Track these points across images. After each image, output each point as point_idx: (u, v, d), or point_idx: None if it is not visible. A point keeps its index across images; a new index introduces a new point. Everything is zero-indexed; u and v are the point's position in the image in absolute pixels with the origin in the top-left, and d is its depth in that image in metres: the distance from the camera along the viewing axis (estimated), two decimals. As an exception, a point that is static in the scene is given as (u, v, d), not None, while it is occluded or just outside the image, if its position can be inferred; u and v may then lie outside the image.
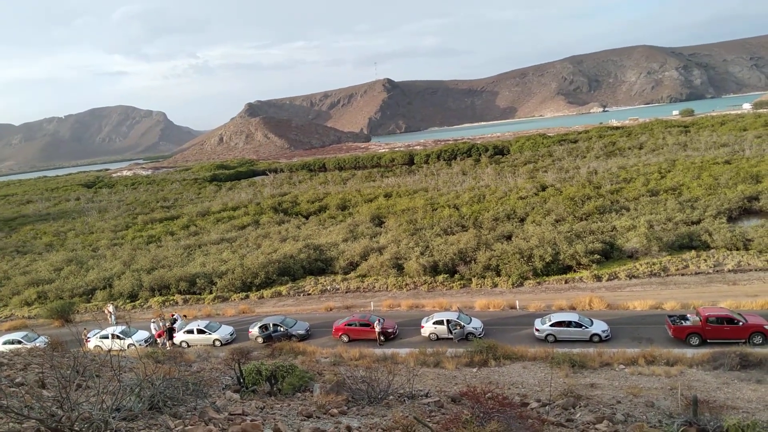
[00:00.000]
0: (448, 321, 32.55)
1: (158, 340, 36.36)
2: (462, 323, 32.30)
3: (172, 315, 38.99)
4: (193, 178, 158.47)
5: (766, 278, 39.95)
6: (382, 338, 33.11)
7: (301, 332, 35.20)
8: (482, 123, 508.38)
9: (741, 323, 28.74)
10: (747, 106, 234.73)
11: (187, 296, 50.07)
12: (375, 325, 33.31)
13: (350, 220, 69.82)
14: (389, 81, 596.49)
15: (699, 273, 42.42)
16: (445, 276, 46.48)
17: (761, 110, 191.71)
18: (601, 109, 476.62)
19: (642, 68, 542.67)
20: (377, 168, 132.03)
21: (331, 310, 41.07)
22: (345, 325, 34.79)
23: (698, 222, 52.39)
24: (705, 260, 44.27)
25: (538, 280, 44.05)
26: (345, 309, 40.89)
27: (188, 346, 35.71)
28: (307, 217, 78.04)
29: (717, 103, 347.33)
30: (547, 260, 45.22)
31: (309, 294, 47.24)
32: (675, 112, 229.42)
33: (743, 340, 28.17)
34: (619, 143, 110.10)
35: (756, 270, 41.68)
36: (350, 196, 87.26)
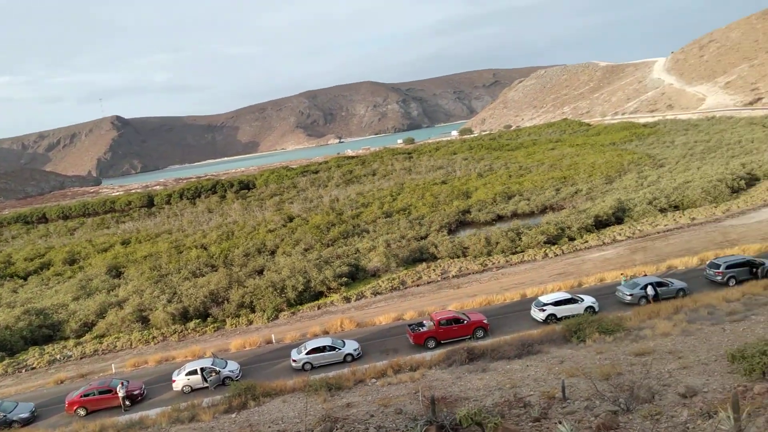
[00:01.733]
0: (202, 369, 30.78)
1: None
2: (217, 369, 30.85)
3: None
4: None
5: (481, 279, 46.66)
6: (127, 403, 29.71)
7: (24, 416, 29.69)
8: (225, 158, 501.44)
9: (465, 321, 33.03)
10: (454, 133, 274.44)
11: None
12: (118, 389, 29.77)
13: (81, 274, 61.91)
14: (119, 118, 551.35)
15: (431, 282, 47.61)
16: (197, 321, 44.11)
17: (465, 136, 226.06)
18: (338, 141, 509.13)
19: (369, 102, 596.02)
20: (111, 213, 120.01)
21: (62, 382, 35.53)
22: (80, 396, 30.32)
23: (426, 237, 58.88)
24: (434, 270, 49.92)
25: (292, 311, 44.58)
26: (81, 378, 35.83)
27: None
28: (25, 278, 66.76)
29: (431, 131, 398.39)
30: (300, 289, 46.12)
31: (34, 368, 40.27)
32: (399, 141, 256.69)
33: (469, 336, 32.40)
34: (356, 171, 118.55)
35: (473, 273, 48.43)
36: (80, 247, 77.52)
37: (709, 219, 54.37)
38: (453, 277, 48.08)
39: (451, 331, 32.55)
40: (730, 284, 35.61)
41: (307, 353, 31.61)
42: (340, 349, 31.91)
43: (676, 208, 58.67)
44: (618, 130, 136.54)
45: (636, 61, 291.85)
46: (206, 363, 31.50)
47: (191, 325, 43.46)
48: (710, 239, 47.90)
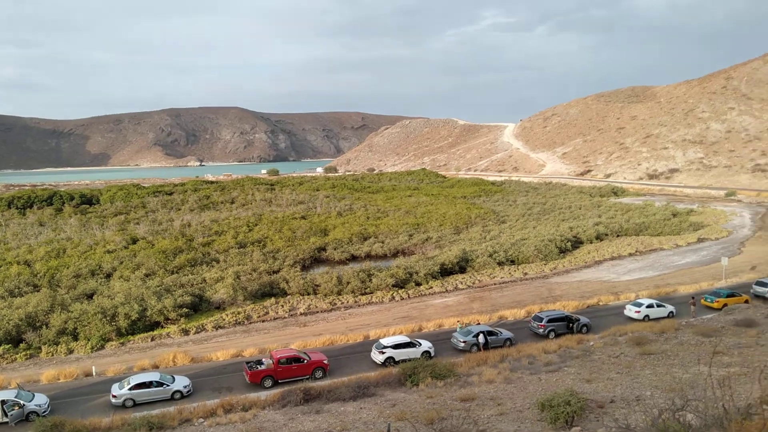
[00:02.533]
0: (2, 402, 27.16)
1: None
2: (21, 402, 27.40)
3: None
4: None
5: (328, 318, 46.75)
6: None
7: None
8: (70, 168, 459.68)
9: (306, 361, 32.75)
10: (320, 170, 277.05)
11: None
12: None
13: None
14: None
15: (277, 318, 46.73)
16: (7, 347, 39.06)
17: (330, 174, 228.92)
18: (198, 163, 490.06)
19: (236, 128, 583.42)
20: None
21: None
22: None
23: (278, 271, 58.03)
24: (282, 306, 49.16)
25: (122, 341, 41.19)
26: None
27: None
28: None
29: (297, 165, 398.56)
30: (134, 318, 42.82)
31: None
32: (263, 171, 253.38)
33: (308, 376, 32.12)
34: (213, 197, 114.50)
35: (321, 311, 48.42)
36: None
37: (539, 275, 59.68)
38: (301, 314, 47.67)
39: (291, 370, 32.05)
40: (550, 337, 39.13)
41: (130, 388, 29.20)
42: (168, 386, 29.91)
43: (512, 262, 63.72)
44: (469, 185, 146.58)
45: (490, 123, 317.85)
46: (9, 395, 27.86)
47: (-2, 351, 38.39)
48: (538, 294, 52.48)
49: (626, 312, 43.95)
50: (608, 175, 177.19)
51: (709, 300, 45.48)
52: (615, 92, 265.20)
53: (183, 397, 29.77)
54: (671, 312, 43.26)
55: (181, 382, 30.59)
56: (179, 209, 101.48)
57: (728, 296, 45.36)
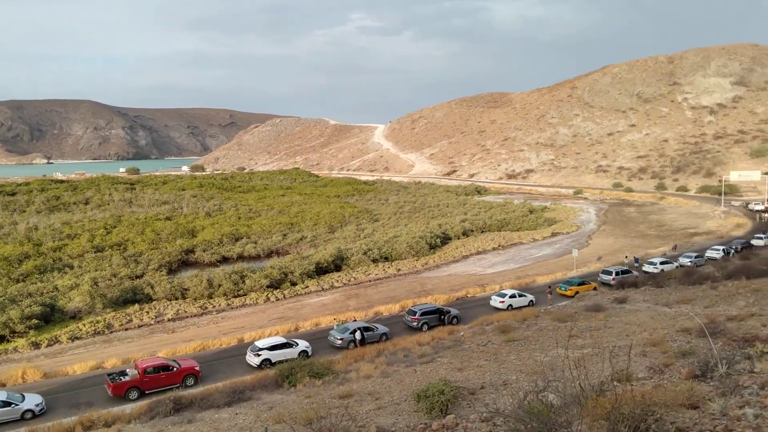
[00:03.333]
0: None
1: None
2: None
3: None
4: None
5: (199, 323, 44.72)
6: None
7: None
8: None
9: (175, 368, 31.00)
10: (185, 169, 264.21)
11: None
12: None
13: None
14: None
15: (142, 325, 43.82)
16: None
17: (196, 173, 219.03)
18: (46, 161, 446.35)
19: (89, 123, 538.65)
20: None
21: None
22: None
23: (142, 276, 54.47)
24: (147, 312, 46.19)
25: (-44, 360, 36.32)
26: None
27: None
28: None
29: (160, 163, 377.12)
30: (-29, 333, 38.00)
31: None
32: (122, 170, 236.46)
33: (178, 384, 30.44)
34: (64, 197, 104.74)
35: (191, 316, 46.19)
36: None
37: (412, 271, 61.66)
38: (169, 320, 45.09)
39: (159, 379, 30.16)
40: (424, 329, 40.53)
41: (-31, 412, 25.86)
42: (17, 405, 26.78)
43: (386, 259, 65.21)
44: (343, 184, 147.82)
45: (361, 124, 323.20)
46: None
47: None
48: (411, 289, 54.18)
49: (492, 302, 46.76)
50: (472, 175, 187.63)
51: (563, 288, 49.74)
52: (476, 97, 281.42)
53: (35, 416, 26.81)
54: (531, 301, 46.73)
55: (32, 401, 27.53)
56: (24, 211, 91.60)
57: (579, 284, 49.95)
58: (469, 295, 50.76)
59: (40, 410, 27.42)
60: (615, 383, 18.51)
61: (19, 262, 56.63)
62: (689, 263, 58.37)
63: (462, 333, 36.96)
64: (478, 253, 70.37)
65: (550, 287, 49.12)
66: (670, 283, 46.69)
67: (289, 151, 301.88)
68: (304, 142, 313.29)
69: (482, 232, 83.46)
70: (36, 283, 50.30)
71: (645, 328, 31.93)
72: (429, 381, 24.30)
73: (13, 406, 26.85)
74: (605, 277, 52.99)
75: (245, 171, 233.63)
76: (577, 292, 48.32)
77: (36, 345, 38.96)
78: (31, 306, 42.57)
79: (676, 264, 58.30)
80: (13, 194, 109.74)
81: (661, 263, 57.56)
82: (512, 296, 46.51)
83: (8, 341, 39.42)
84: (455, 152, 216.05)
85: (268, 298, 50.90)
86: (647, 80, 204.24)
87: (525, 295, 47.17)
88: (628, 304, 39.96)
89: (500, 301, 46.04)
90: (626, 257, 62.87)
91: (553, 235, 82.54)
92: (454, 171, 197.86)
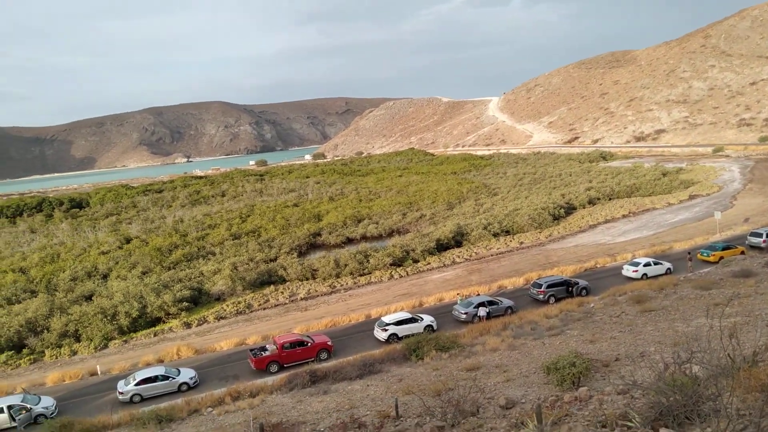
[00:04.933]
0: (9, 407, 27.08)
1: None
2: (28, 406, 27.34)
3: None
4: None
5: (329, 301, 46.81)
6: None
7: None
8: (56, 174, 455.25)
9: (310, 344, 32.80)
10: (308, 157, 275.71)
11: None
12: None
13: None
14: None
15: (278, 305, 46.74)
16: (10, 354, 38.89)
17: (318, 160, 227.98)
18: (185, 160, 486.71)
19: (220, 122, 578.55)
20: None
21: None
22: None
23: (275, 259, 57.89)
24: (282, 292, 49.15)
25: (125, 339, 41.11)
26: None
27: None
28: None
29: (285, 154, 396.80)
30: (134, 315, 42.75)
31: None
32: (251, 163, 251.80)
33: (313, 359, 32.20)
34: (203, 191, 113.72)
35: (322, 295, 48.45)
36: None
37: (535, 243, 59.89)
38: (301, 299, 47.69)
39: (295, 354, 32.11)
40: (551, 302, 39.34)
41: (136, 384, 29.20)
42: (174, 378, 29.92)
43: (508, 232, 63.85)
44: (458, 160, 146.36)
45: (474, 99, 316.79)
46: (15, 400, 27.80)
47: (2, 358, 38.17)
48: (535, 261, 52.69)
49: (624, 272, 44.23)
50: (596, 141, 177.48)
51: (705, 254, 45.84)
52: (595, 59, 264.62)
53: (190, 388, 29.81)
54: (669, 269, 43.56)
55: (186, 374, 30.62)
56: (170, 206, 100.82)
57: (724, 249, 45.73)
58: (598, 266, 48.41)
59: (194, 383, 30.36)
60: (770, 352, 16.81)
61: (169, 251, 62.47)
62: None
63: (592, 304, 35.44)
64: (607, 221, 66.68)
65: (690, 253, 45.47)
66: (836, 243, 41.28)
67: (403, 133, 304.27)
68: (417, 122, 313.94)
69: (610, 199, 78.88)
70: (184, 270, 55.31)
71: (806, 294, 28.62)
72: (558, 353, 23.63)
73: (170, 379, 29.97)
74: (754, 240, 48.03)
75: (363, 155, 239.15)
76: (721, 258, 44.29)
77: (187, 325, 43.00)
78: (181, 290, 46.99)
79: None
80: (161, 191, 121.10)
81: (825, 222, 51.06)
82: (647, 264, 43.65)
83: (164, 322, 43.88)
84: (576, 118, 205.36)
85: (392, 276, 51.99)
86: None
87: (661, 263, 44.06)
88: (784, 268, 35.97)
89: (633, 270, 43.40)
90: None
91: (691, 198, 75.99)
92: (576, 138, 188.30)
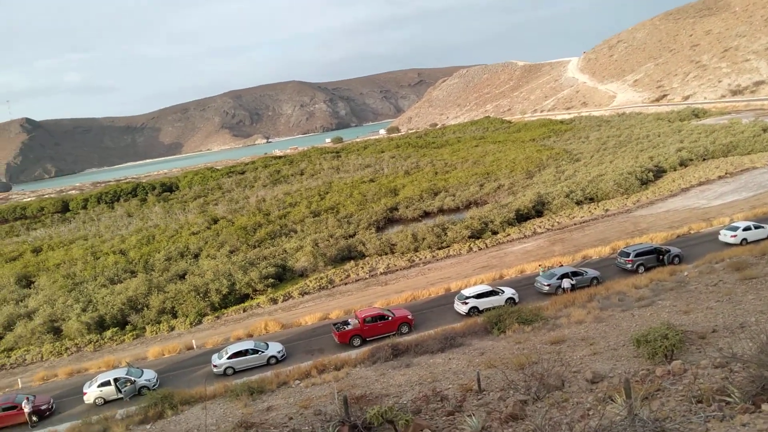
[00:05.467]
0: (116, 380, 29.33)
1: None
2: (132, 378, 29.49)
3: None
4: None
5: (408, 275, 47.06)
6: (34, 419, 27.88)
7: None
8: (147, 160, 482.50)
9: (390, 318, 33.18)
10: (382, 132, 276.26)
11: None
12: (23, 405, 27.90)
13: (-15, 286, 57.61)
14: (29, 121, 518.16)
15: (359, 280, 47.54)
16: (115, 330, 42.04)
17: (392, 135, 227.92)
18: (265, 141, 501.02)
19: (296, 102, 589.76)
20: (22, 220, 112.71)
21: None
22: (-18, 415, 28.23)
23: (354, 235, 58.77)
24: (362, 267, 49.91)
25: (216, 315, 43.33)
26: (-16, 396, 33.28)
27: None
28: None
29: (360, 130, 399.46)
30: (224, 292, 44.92)
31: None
32: (327, 140, 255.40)
33: (394, 332, 32.56)
34: (283, 171, 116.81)
35: (401, 269, 48.77)
36: (-16, 257, 72.16)
37: (621, 210, 57.24)
38: (381, 274, 48.24)
39: (376, 328, 32.60)
40: (639, 271, 37.58)
41: (228, 358, 30.77)
42: (263, 352, 31.26)
43: (591, 200, 61.38)
44: (537, 126, 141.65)
45: (552, 61, 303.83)
46: (120, 373, 30.07)
47: (108, 334, 41.37)
48: (622, 229, 50.41)
49: (721, 237, 41.43)
50: (686, 98, 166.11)
51: (814, 216, 42.10)
52: (684, 8, 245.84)
53: (278, 362, 31.04)
54: (772, 232, 40.36)
55: (274, 348, 31.88)
56: (253, 186, 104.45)
57: (836, 209, 41.76)
58: (692, 232, 45.66)
59: (282, 356, 31.58)
60: None
61: (254, 230, 64.88)
62: None
63: (686, 273, 33.54)
64: (701, 183, 62.55)
65: (797, 215, 41.88)
66: None
67: (478, 101, 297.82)
68: (492, 88, 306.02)
69: (704, 160, 73.85)
70: (268, 248, 57.32)
71: None
72: (649, 325, 22.59)
73: (260, 353, 31.33)
74: None
75: (437, 127, 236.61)
76: (834, 219, 40.48)
77: (274, 301, 44.66)
78: (266, 267, 48.78)
79: None
80: (243, 173, 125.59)
81: None
82: (747, 228, 40.63)
83: (251, 299, 45.82)
84: (664, 74, 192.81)
85: (471, 248, 51.45)
86: None
87: (763, 227, 40.88)
88: None
89: (732, 236, 40.55)
90: None
91: (798, 154, 69.76)
92: (664, 96, 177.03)
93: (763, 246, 35.42)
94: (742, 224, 41.42)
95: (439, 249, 52.10)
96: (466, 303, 34.88)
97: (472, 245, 51.91)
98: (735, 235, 40.40)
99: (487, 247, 51.59)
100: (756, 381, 11.07)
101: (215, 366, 30.74)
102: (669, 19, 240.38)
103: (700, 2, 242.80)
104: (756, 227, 40.79)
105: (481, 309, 34.13)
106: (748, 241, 39.68)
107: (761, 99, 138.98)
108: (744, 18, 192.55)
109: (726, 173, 65.06)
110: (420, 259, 50.44)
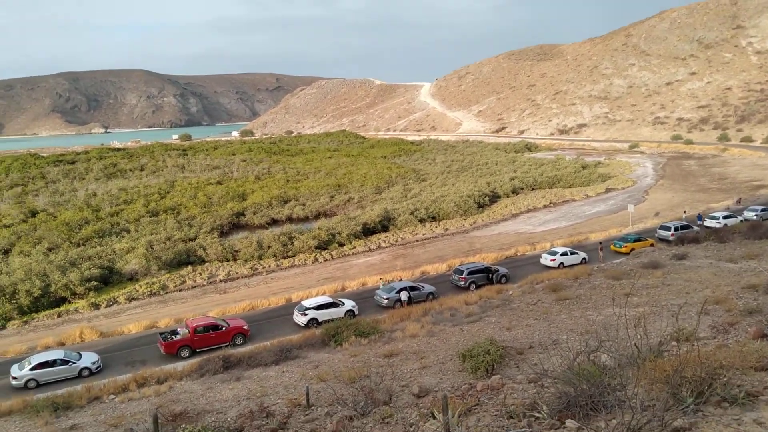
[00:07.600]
0: None
1: None
2: None
3: None
4: None
5: (250, 284, 45.49)
6: None
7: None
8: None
9: (224, 328, 31.60)
10: (235, 134, 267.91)
11: None
12: None
13: None
14: None
15: (195, 287, 44.93)
16: None
17: (246, 137, 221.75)
18: (104, 130, 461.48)
19: (142, 92, 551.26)
20: None
21: None
22: None
23: (194, 239, 55.60)
24: (200, 274, 47.30)
25: (25, 319, 38.26)
26: None
27: None
28: None
29: (211, 130, 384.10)
30: (36, 294, 39.82)
31: None
32: (174, 137, 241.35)
33: (227, 343, 31.04)
34: (121, 165, 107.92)
35: (242, 277, 47.02)
36: None
37: (459, 230, 60.75)
38: (221, 281, 46.11)
39: (208, 338, 30.85)
40: (471, 289, 39.88)
41: (31, 368, 27.06)
42: (74, 363, 27.96)
43: (434, 218, 64.41)
44: (389, 144, 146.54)
45: (406, 83, 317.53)
46: None
47: None
48: (459, 248, 53.41)
49: (542, 261, 45.52)
50: (522, 132, 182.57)
51: (617, 245, 47.90)
52: (525, 50, 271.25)
53: (92, 374, 27.97)
54: (584, 258, 45.22)
55: (89, 359, 28.71)
56: (83, 179, 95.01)
57: (635, 241, 47.95)
58: (518, 254, 49.63)
59: (97, 368, 28.54)
60: (674, 343, 17.50)
61: (79, 227, 58.78)
62: (755, 217, 55.14)
63: (511, 292, 36.17)
64: (529, 211, 68.66)
65: (601, 244, 47.42)
66: (734, 238, 44.20)
67: (335, 114, 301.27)
68: (350, 103, 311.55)
69: (533, 189, 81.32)
70: (95, 247, 52.15)
71: (707, 285, 30.30)
72: (475, 340, 23.77)
73: (70, 364, 28.02)
74: (663, 233, 50.73)
75: (293, 134, 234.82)
76: (632, 249, 46.43)
77: (96, 306, 40.54)
78: (90, 269, 44.20)
79: (740, 218, 55.19)
80: (73, 162, 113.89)
81: (724, 217, 54.63)
82: (564, 254, 45.13)
83: (69, 302, 41.17)
84: (504, 108, 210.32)
85: (317, 259, 51.22)
86: (708, 24, 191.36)
87: (577, 253, 45.69)
88: (688, 260, 38.07)
89: (551, 259, 44.76)
90: (684, 212, 59.92)
91: (608, 191, 79.60)
92: (503, 128, 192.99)
93: (576, 270, 39.46)
94: (561, 250, 45.96)
95: (285, 258, 51.17)
96: (306, 314, 34.42)
97: (318, 256, 51.70)
98: (554, 259, 44.65)
99: (333, 258, 51.70)
100: (562, 397, 11.89)
101: (14, 378, 26.85)
102: (512, 59, 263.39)
103: (538, 47, 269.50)
104: (572, 253, 45.47)
105: (320, 321, 33.85)
106: (565, 265, 44.04)
107: (582, 140, 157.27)
108: (573, 66, 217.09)
109: (550, 203, 72.14)
110: (264, 268, 49.07)
